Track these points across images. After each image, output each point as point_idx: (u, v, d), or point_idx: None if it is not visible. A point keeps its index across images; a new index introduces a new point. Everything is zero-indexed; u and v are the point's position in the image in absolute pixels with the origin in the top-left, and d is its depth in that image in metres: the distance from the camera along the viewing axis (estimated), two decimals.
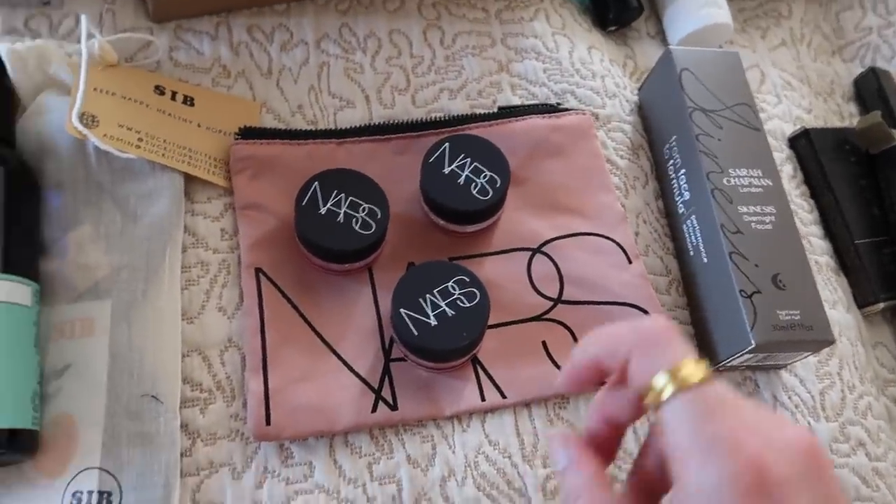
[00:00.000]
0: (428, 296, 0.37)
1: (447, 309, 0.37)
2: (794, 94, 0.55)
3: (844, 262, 0.49)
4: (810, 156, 0.51)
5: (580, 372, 0.27)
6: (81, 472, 0.35)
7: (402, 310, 0.37)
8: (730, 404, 0.23)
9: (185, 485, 0.36)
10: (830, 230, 0.50)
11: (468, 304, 0.37)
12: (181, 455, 0.36)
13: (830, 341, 0.38)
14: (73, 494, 0.35)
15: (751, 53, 0.56)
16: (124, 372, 0.37)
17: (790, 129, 0.53)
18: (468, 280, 0.38)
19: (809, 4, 0.62)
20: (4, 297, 0.35)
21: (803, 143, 0.51)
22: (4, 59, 0.40)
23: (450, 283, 0.38)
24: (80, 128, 0.39)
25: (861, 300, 0.48)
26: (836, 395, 0.43)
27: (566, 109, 0.48)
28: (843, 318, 0.46)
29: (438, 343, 0.36)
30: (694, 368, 0.23)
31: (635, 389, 0.25)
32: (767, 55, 0.57)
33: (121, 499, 0.35)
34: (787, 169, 0.51)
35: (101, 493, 0.35)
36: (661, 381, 0.24)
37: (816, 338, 0.38)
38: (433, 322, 0.37)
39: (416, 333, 0.36)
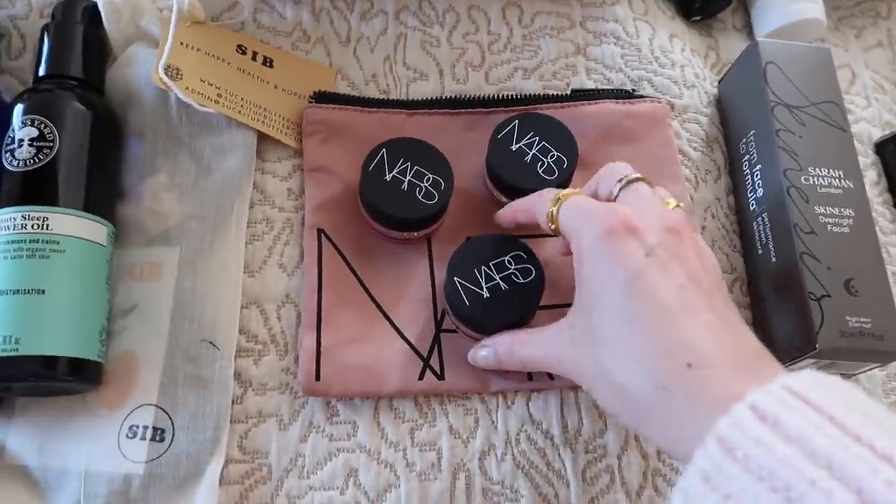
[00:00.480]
0: (483, 268, 0.37)
1: (501, 283, 0.37)
2: (886, 97, 0.53)
3: None
4: None
5: (509, 220, 0.39)
6: (139, 407, 0.37)
7: (456, 278, 0.37)
8: (592, 200, 0.33)
9: (234, 430, 0.37)
10: None
11: (523, 281, 0.37)
12: (232, 402, 0.37)
13: None
14: (130, 427, 0.36)
15: (843, 52, 0.54)
16: (185, 317, 0.38)
17: (878, 134, 0.50)
18: (525, 256, 0.38)
19: None
20: (83, 234, 0.36)
21: (891, 149, 0.49)
22: (101, 9, 0.42)
23: (507, 258, 0.38)
24: (165, 79, 0.40)
25: None
26: None
27: (641, 96, 0.47)
28: None
29: (489, 316, 0.36)
30: (569, 191, 0.34)
31: (544, 225, 0.35)
32: (861, 55, 0.54)
33: (173, 436, 0.36)
34: (871, 175, 0.49)
35: (155, 429, 0.36)
36: (551, 208, 0.34)
37: (887, 348, 0.36)
38: (486, 294, 0.37)
39: (467, 304, 0.36)
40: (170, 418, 0.37)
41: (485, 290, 0.37)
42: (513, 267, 0.37)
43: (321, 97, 0.44)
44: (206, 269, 0.39)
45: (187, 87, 0.41)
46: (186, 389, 0.37)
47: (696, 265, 0.30)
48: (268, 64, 0.45)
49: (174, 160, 0.41)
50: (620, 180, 0.34)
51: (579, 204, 0.33)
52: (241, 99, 0.42)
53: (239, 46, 0.44)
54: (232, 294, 0.39)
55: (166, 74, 0.40)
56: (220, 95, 0.42)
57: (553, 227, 0.34)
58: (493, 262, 0.37)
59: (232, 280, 0.39)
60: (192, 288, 0.39)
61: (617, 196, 0.34)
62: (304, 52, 0.46)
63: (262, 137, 0.43)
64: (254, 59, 0.44)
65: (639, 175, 0.34)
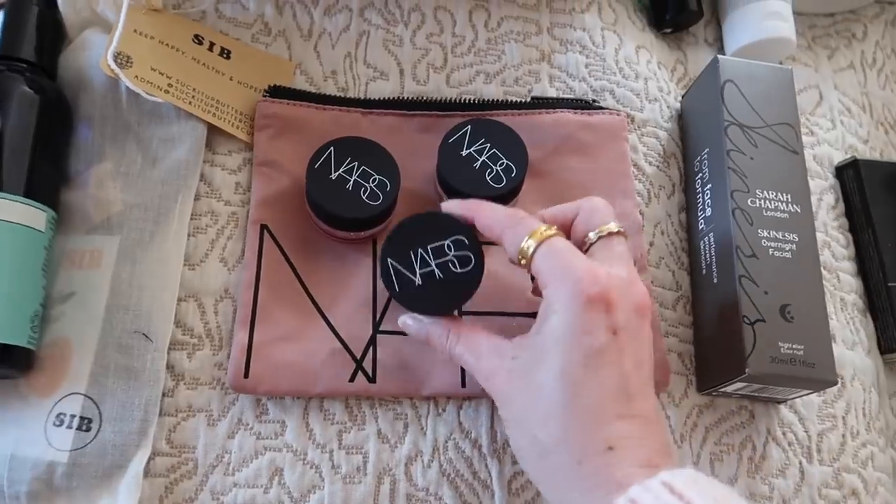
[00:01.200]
0: (420, 250, 0.35)
1: (437, 270, 0.34)
2: (852, 121, 0.52)
3: (874, 303, 0.46)
4: (855, 188, 0.48)
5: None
6: (68, 395, 0.37)
7: (389, 259, 0.35)
8: (575, 251, 0.32)
9: (163, 423, 0.37)
10: (864, 268, 0.47)
11: (459, 271, 0.34)
12: (163, 395, 0.37)
13: (832, 382, 0.37)
14: (58, 415, 0.36)
15: (812, 73, 0.54)
16: (121, 307, 0.38)
17: (840, 157, 0.50)
18: (467, 242, 0.35)
19: (889, 28, 0.58)
20: (18, 219, 0.36)
21: (850, 174, 0.49)
22: None
23: (447, 241, 0.35)
24: (114, 66, 0.40)
25: (885, 346, 0.45)
26: (836, 439, 0.41)
27: (600, 108, 0.46)
28: (862, 361, 0.44)
29: (417, 305, 0.35)
30: (547, 228, 0.32)
31: (512, 255, 0.33)
32: (831, 76, 0.54)
33: (100, 426, 0.36)
34: (829, 198, 0.48)
35: (82, 418, 0.36)
36: (527, 242, 0.32)
37: (818, 377, 0.36)
38: (418, 281, 0.34)
39: (397, 289, 0.34)
40: (98, 408, 0.37)
41: (418, 276, 0.34)
42: (451, 253, 0.35)
43: (276, 91, 0.43)
44: (146, 260, 0.39)
45: (136, 76, 0.40)
46: (117, 380, 0.37)
47: (646, 350, 0.31)
48: (225, 55, 0.44)
49: (121, 148, 0.41)
50: (600, 231, 0.34)
51: (562, 254, 0.32)
52: (194, 90, 0.42)
53: (196, 36, 0.44)
54: (170, 286, 0.39)
55: (115, 62, 0.40)
56: (170, 85, 0.41)
57: (523, 262, 0.33)
58: (432, 245, 0.35)
59: (171, 272, 0.39)
60: (130, 278, 0.38)
61: (592, 244, 0.34)
62: (264, 45, 0.46)
63: (215, 129, 0.43)
64: (210, 49, 0.44)
65: (619, 228, 0.34)
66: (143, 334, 0.38)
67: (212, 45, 0.44)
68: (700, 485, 0.26)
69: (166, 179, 0.40)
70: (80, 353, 0.37)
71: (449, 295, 0.34)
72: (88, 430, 0.36)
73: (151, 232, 0.39)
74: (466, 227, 0.35)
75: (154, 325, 0.38)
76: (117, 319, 0.38)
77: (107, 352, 0.37)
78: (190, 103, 0.42)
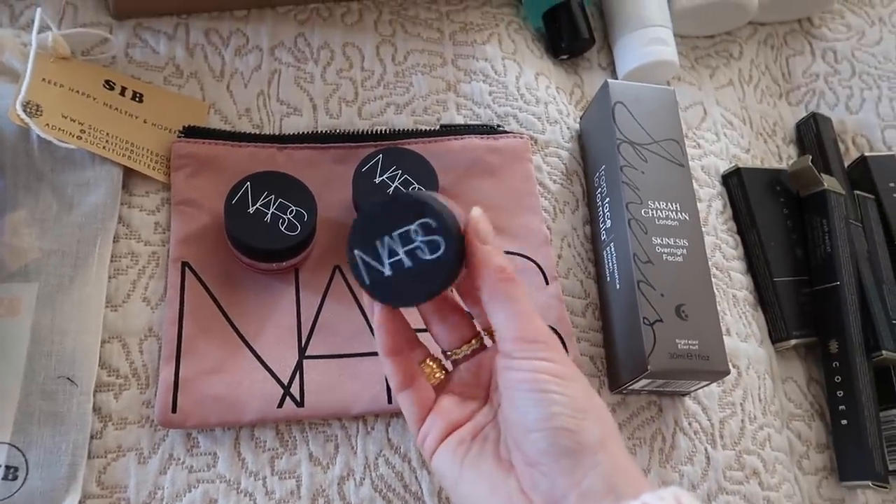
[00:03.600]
0: (386, 238, 0.32)
1: (405, 258, 0.31)
2: (734, 132, 0.57)
3: (763, 297, 0.51)
4: (740, 194, 0.53)
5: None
6: None
7: (356, 251, 0.32)
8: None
9: (93, 465, 0.37)
10: (752, 266, 0.51)
11: (428, 257, 0.31)
12: (91, 437, 0.37)
13: (725, 372, 0.40)
14: None
15: (696, 91, 0.58)
16: (43, 353, 0.38)
17: (725, 167, 0.55)
18: (434, 225, 0.31)
19: (762, 47, 0.64)
20: None
21: (734, 181, 0.53)
22: None
23: (413, 227, 0.31)
24: (23, 115, 0.40)
25: (775, 335, 0.50)
26: (737, 424, 0.45)
27: (505, 132, 0.49)
28: (755, 351, 0.48)
29: (389, 296, 0.32)
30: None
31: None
32: (713, 93, 0.59)
33: (27, 474, 0.36)
34: (717, 204, 0.53)
35: (7, 467, 0.36)
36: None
37: (712, 368, 0.40)
38: (387, 272, 0.32)
39: (367, 282, 0.32)
40: (24, 456, 0.36)
41: (386, 266, 0.32)
42: (419, 239, 0.31)
43: (190, 131, 0.45)
44: (67, 305, 0.39)
45: (47, 124, 0.41)
46: (42, 426, 0.37)
47: None
48: (137, 99, 0.45)
49: (35, 196, 0.41)
50: None
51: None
52: (107, 134, 0.43)
53: (107, 82, 0.45)
54: (92, 329, 0.39)
55: (25, 111, 0.40)
56: (83, 131, 0.42)
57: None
58: (398, 231, 0.31)
59: (93, 315, 0.39)
60: (51, 324, 0.39)
61: None
62: (176, 87, 0.47)
63: (132, 171, 0.43)
64: (122, 94, 0.45)
65: None
66: (68, 379, 0.38)
67: (123, 89, 0.45)
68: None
69: (84, 224, 0.41)
70: (3, 402, 0.37)
71: (421, 283, 0.31)
72: (15, 478, 0.36)
73: (71, 277, 0.40)
74: (433, 208, 0.31)
75: (78, 368, 0.38)
76: (40, 366, 0.38)
77: (30, 399, 0.37)
78: (104, 147, 0.42)
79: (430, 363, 0.35)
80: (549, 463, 0.28)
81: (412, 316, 0.35)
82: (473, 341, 0.35)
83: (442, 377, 0.34)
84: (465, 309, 0.35)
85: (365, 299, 0.34)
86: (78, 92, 0.43)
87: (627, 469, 0.28)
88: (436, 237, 0.31)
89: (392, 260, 0.31)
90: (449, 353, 0.35)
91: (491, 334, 0.34)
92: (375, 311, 0.33)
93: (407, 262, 0.31)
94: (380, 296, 0.32)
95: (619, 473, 0.28)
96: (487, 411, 0.33)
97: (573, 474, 0.28)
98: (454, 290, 0.35)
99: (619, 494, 0.27)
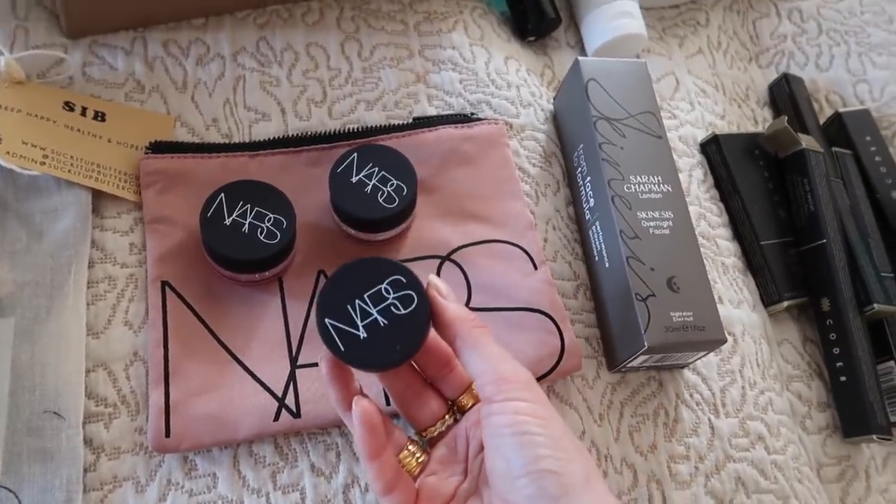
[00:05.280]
0: (357, 301, 0.32)
1: (379, 317, 0.32)
2: (708, 100, 0.57)
3: (751, 262, 0.50)
4: (719, 160, 0.53)
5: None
6: None
7: (327, 320, 0.32)
8: None
9: (89, 500, 0.36)
10: (738, 232, 0.51)
11: (403, 311, 0.32)
12: (85, 470, 0.36)
13: (722, 340, 0.40)
14: None
15: (667, 61, 0.58)
16: (26, 388, 0.37)
17: (702, 135, 0.54)
18: (405, 281, 0.32)
19: (728, 13, 0.63)
20: None
21: (713, 149, 0.53)
22: None
23: (383, 286, 0.32)
24: None
25: (766, 299, 0.49)
26: (737, 391, 0.45)
27: (479, 119, 0.49)
28: (748, 317, 0.48)
29: (368, 360, 0.32)
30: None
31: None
32: (683, 63, 0.59)
33: None
34: (698, 173, 0.52)
35: None
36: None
37: (709, 337, 0.40)
38: (362, 335, 0.32)
39: (342, 349, 0.32)
40: (16, 497, 0.35)
41: (361, 329, 0.32)
42: (391, 296, 0.32)
43: (157, 147, 0.43)
44: (46, 337, 0.38)
45: (7, 152, 0.39)
46: (32, 464, 0.36)
47: None
48: (99, 118, 0.44)
49: (2, 228, 0.40)
50: None
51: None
52: (71, 157, 0.41)
53: (66, 103, 0.43)
54: (75, 359, 0.38)
55: None
56: (46, 157, 0.41)
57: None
58: (369, 292, 0.32)
59: (74, 344, 0.38)
60: (31, 358, 0.37)
61: None
62: (139, 103, 0.46)
63: (101, 193, 0.42)
64: (83, 114, 0.44)
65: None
66: (55, 413, 0.37)
67: (84, 109, 0.44)
68: None
69: (55, 252, 0.40)
70: None
71: (399, 339, 0.32)
72: None
73: (47, 308, 0.39)
74: (399, 266, 0.33)
75: (64, 401, 0.37)
76: (24, 402, 0.37)
77: (17, 437, 0.36)
78: (69, 171, 0.41)
79: (411, 447, 0.34)
80: None
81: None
82: (447, 417, 0.35)
83: (424, 460, 0.34)
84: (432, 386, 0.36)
85: (329, 380, 0.33)
86: (37, 116, 0.42)
87: None
88: (408, 291, 0.32)
89: (366, 322, 0.32)
90: (425, 433, 0.35)
91: (460, 407, 0.35)
92: (356, 414, 0.32)
93: (382, 321, 0.32)
94: (358, 362, 0.32)
95: None
96: (468, 485, 0.33)
97: None
98: (415, 364, 0.35)
99: None
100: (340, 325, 0.32)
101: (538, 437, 0.29)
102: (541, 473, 0.28)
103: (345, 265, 0.33)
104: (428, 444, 0.35)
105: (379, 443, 0.32)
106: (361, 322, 0.32)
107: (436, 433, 0.35)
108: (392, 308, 0.32)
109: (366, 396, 0.33)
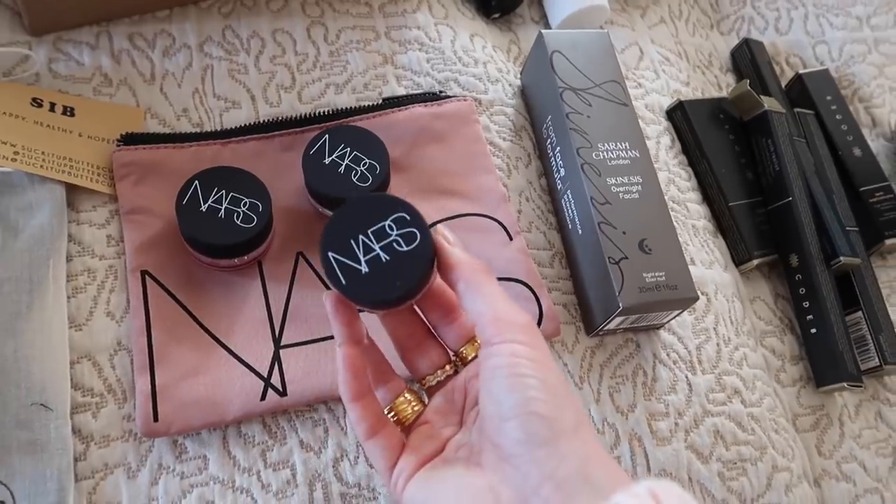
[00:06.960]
0: (361, 237, 0.32)
1: (381, 253, 0.32)
2: (672, 68, 0.58)
3: (721, 224, 0.52)
4: (685, 126, 0.54)
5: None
6: None
7: (329, 253, 0.32)
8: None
9: (81, 488, 0.36)
10: (707, 195, 0.52)
11: (405, 248, 0.32)
12: (75, 460, 0.37)
13: (695, 298, 0.41)
14: None
15: (630, 32, 0.59)
16: (11, 383, 0.37)
17: (667, 102, 0.55)
18: (408, 219, 0.32)
19: None
20: None
21: (679, 115, 0.54)
22: None
23: (387, 222, 0.32)
24: None
25: (737, 258, 0.51)
26: (712, 348, 0.46)
27: (448, 97, 0.49)
28: (721, 276, 0.49)
29: (368, 294, 0.31)
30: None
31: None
32: (647, 33, 0.59)
33: None
34: (665, 140, 0.54)
35: None
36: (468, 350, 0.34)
37: (681, 296, 0.41)
38: (364, 269, 0.31)
39: (343, 282, 0.31)
40: (8, 489, 0.36)
41: (363, 264, 0.32)
42: (394, 233, 0.32)
43: (129, 139, 0.43)
44: (28, 332, 0.38)
45: None
46: (22, 457, 0.36)
47: None
48: (68, 113, 0.44)
49: None
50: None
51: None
52: (42, 153, 0.41)
53: (34, 99, 0.43)
54: (59, 352, 0.38)
55: None
56: (16, 153, 0.41)
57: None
58: (372, 228, 0.32)
59: (57, 337, 0.38)
60: (15, 353, 0.38)
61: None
62: (108, 97, 0.46)
63: (75, 188, 0.42)
64: (52, 110, 0.43)
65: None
66: (42, 405, 0.37)
67: (52, 105, 0.44)
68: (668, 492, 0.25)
69: (32, 247, 0.40)
70: None
71: (401, 276, 0.31)
72: None
73: (28, 303, 0.39)
74: (404, 203, 0.32)
75: (50, 393, 0.37)
76: (11, 396, 0.37)
77: (6, 431, 0.36)
78: (41, 167, 0.41)
79: (407, 395, 0.34)
80: (523, 454, 0.27)
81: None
82: (447, 367, 0.35)
83: (420, 409, 0.34)
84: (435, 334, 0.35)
85: (332, 318, 0.32)
86: (5, 113, 0.42)
87: (602, 458, 0.27)
88: (411, 229, 0.32)
89: (368, 257, 0.31)
90: (423, 382, 0.35)
91: (462, 358, 0.34)
92: (339, 357, 0.32)
93: (384, 257, 0.31)
94: (359, 297, 0.31)
95: (593, 463, 0.27)
96: (461, 436, 0.32)
97: (546, 464, 0.27)
98: (419, 311, 0.35)
99: (595, 486, 0.26)
100: (343, 259, 0.32)
101: (531, 378, 0.28)
102: (529, 416, 0.27)
103: (349, 201, 0.33)
104: (426, 395, 0.35)
105: (361, 386, 0.32)
106: (364, 257, 0.32)
107: (434, 382, 0.34)
108: (395, 244, 0.32)
109: (369, 339, 0.33)
